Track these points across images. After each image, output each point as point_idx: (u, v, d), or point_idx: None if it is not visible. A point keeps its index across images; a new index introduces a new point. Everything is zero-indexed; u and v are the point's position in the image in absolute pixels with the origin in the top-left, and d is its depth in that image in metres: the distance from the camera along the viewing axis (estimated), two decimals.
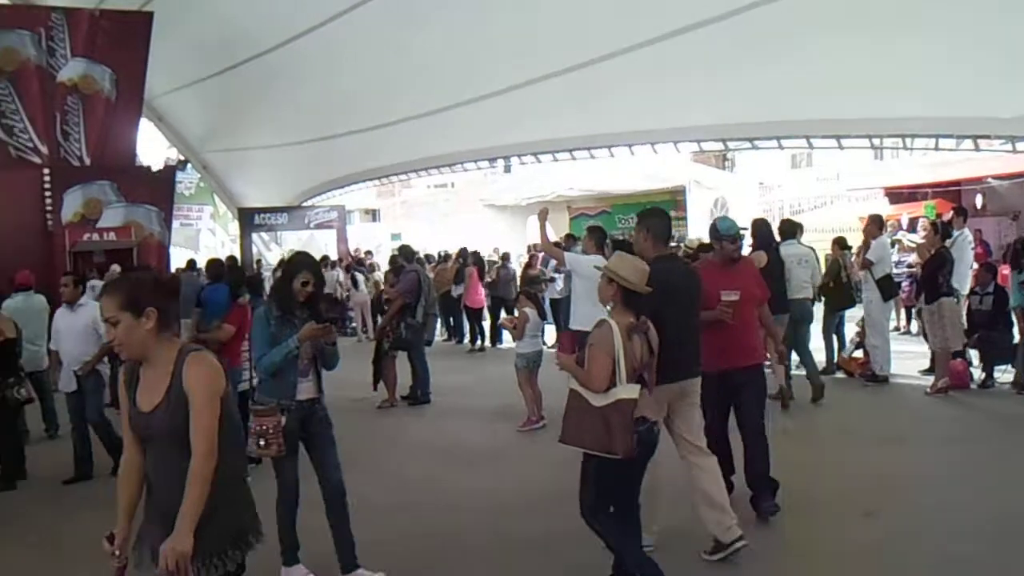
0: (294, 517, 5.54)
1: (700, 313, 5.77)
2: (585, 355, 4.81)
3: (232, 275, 9.53)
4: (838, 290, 12.53)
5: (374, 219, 40.83)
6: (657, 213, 5.93)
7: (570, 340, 6.87)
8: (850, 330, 13.04)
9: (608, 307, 5.01)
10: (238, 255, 24.46)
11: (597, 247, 9.29)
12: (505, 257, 19.38)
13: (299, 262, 5.62)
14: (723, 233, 6.42)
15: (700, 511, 5.63)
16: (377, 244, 30.67)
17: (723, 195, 25.52)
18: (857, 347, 12.54)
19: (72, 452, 8.73)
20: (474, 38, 16.61)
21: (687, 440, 5.64)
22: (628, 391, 4.64)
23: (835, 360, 12.55)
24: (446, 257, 21.26)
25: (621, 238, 13.40)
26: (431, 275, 16.04)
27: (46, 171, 18.07)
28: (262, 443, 5.32)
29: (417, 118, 19.41)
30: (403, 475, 8.31)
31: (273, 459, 5.45)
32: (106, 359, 8.55)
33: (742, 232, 6.69)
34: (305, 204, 27.44)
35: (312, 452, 5.59)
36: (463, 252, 19.25)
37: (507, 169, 29.83)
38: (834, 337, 12.76)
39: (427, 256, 20.67)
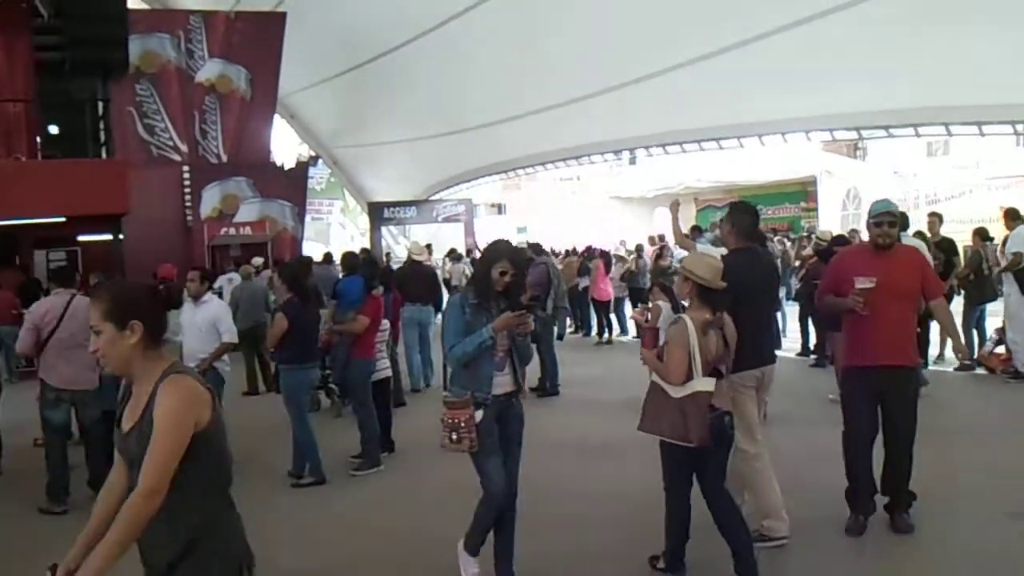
0: (491, 523, 5.27)
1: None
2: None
3: (366, 268, 9.68)
4: (979, 283, 12.02)
5: (500, 212, 41.04)
6: (744, 208, 6.12)
7: (653, 335, 6.75)
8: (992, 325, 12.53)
9: (685, 303, 5.26)
10: (368, 248, 25.02)
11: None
12: (639, 249, 19.26)
13: (498, 250, 5.31)
14: (870, 215, 5.93)
15: (746, 496, 5.77)
16: (503, 238, 30.91)
17: (855, 185, 24.84)
18: (998, 343, 12.03)
19: None
20: (601, 30, 16.61)
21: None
22: (704, 384, 4.92)
23: (975, 356, 12.08)
24: (573, 251, 21.26)
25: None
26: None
27: (186, 168, 18.85)
28: (454, 437, 5.13)
29: (544, 111, 19.52)
30: (533, 471, 8.33)
31: (473, 458, 5.18)
32: (226, 356, 8.41)
33: (895, 215, 5.89)
34: (433, 198, 27.86)
35: (503, 450, 5.29)
36: (589, 249, 19.17)
37: (632, 161, 29.63)
38: (974, 332, 12.29)
39: (552, 250, 20.71)
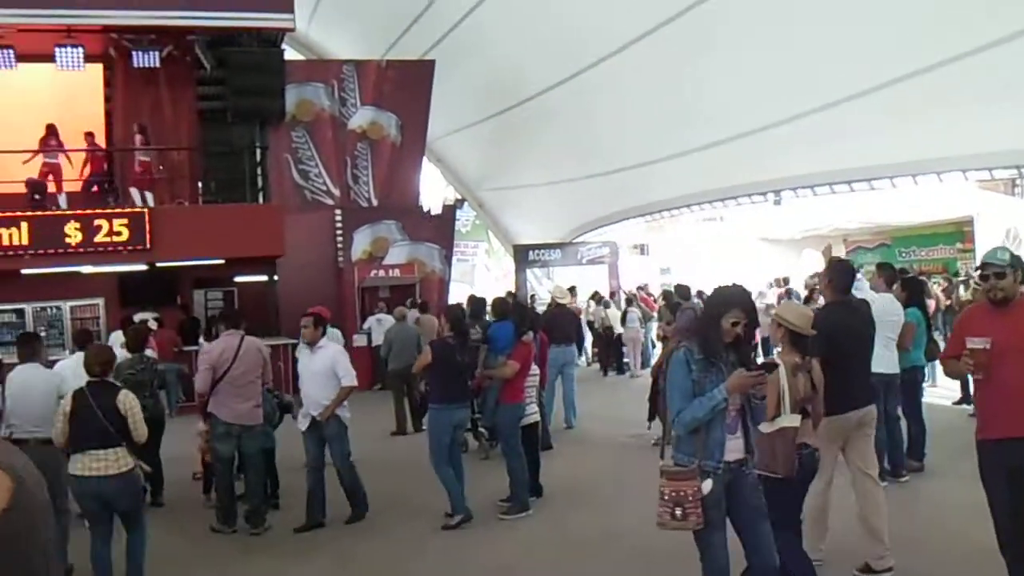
0: None
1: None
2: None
3: (517, 313, 9.75)
4: None
5: (643, 253, 40.71)
6: (841, 266, 6.82)
7: None
8: None
9: (777, 347, 5.85)
10: (513, 291, 25.21)
11: (887, 284, 8.78)
12: (788, 291, 18.85)
13: (729, 297, 4.82)
14: (981, 264, 5.31)
15: (863, 534, 6.17)
16: (646, 279, 30.58)
17: (1015, 225, 23.62)
18: None
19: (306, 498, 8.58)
20: (746, 71, 16.44)
21: (859, 467, 6.25)
22: (790, 420, 5.25)
23: None
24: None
25: (910, 275, 12.30)
26: None
27: (338, 212, 19.41)
28: (678, 513, 4.60)
29: (688, 153, 19.38)
30: None
31: (696, 534, 4.70)
32: (346, 403, 8.36)
33: (1002, 265, 5.09)
34: (577, 240, 27.90)
35: (737, 523, 4.76)
36: None
37: (777, 202, 29.01)
38: None
39: (699, 292, 20.37)
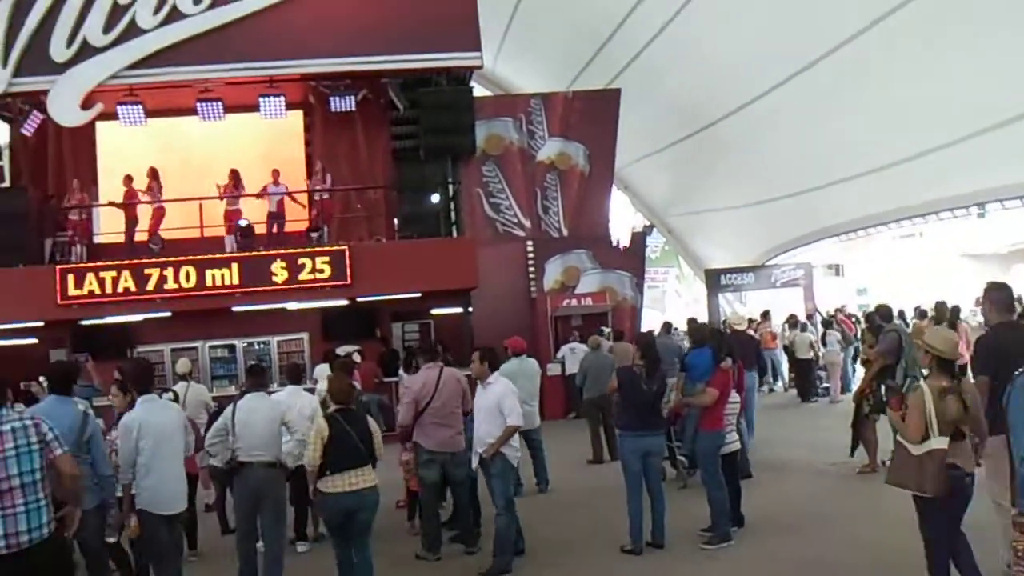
0: None
1: None
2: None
3: (714, 339, 9.57)
4: None
5: (837, 274, 39.38)
6: (1000, 287, 6.58)
7: (899, 399, 6.25)
8: None
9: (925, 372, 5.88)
10: (704, 316, 24.81)
11: None
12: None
13: None
14: None
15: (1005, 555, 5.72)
16: (842, 301, 29.45)
17: None
18: None
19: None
20: (943, 78, 15.68)
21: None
22: (939, 442, 5.41)
23: None
24: (922, 313, 19.81)
25: None
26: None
27: (529, 243, 19.61)
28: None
29: (884, 168, 18.61)
30: (886, 551, 7.77)
31: None
32: (515, 442, 8.25)
33: None
34: (769, 263, 27.22)
35: None
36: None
37: (981, 215, 27.43)
38: None
39: (900, 312, 19.40)
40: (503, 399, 7.97)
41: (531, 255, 19.62)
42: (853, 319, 21.35)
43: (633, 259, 20.45)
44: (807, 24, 16.94)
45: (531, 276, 19.58)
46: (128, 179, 18.18)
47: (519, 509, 8.43)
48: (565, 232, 20.34)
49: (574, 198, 20.44)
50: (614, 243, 20.84)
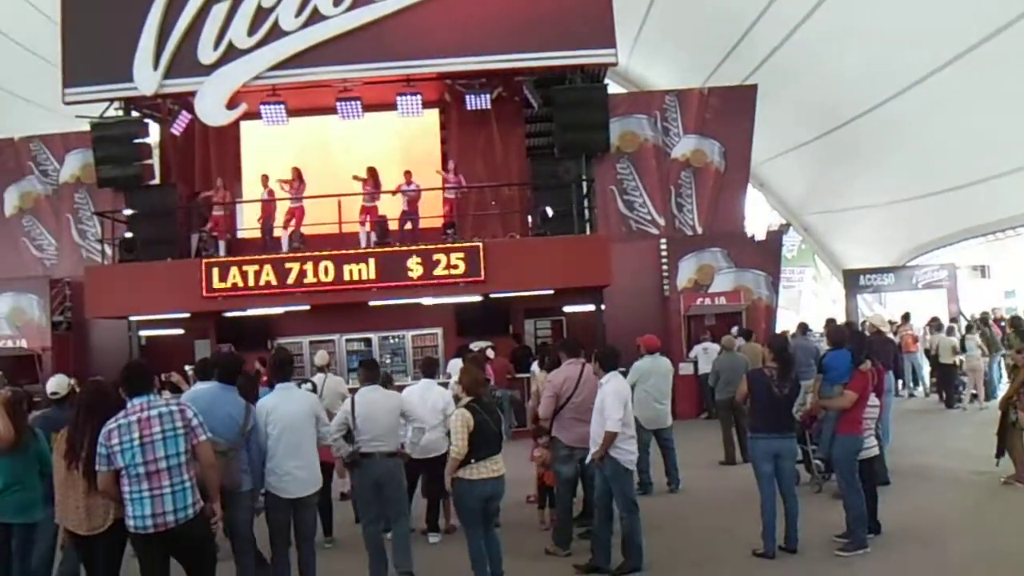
0: None
1: None
2: None
3: (854, 341, 9.29)
4: None
5: (983, 276, 37.74)
6: None
7: None
8: None
9: None
10: (842, 317, 24.10)
11: None
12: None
13: None
14: None
15: None
16: (989, 303, 28.19)
17: None
18: None
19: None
20: None
21: None
22: None
23: None
24: None
25: None
26: None
27: (663, 241, 19.38)
28: None
29: None
30: None
31: None
32: (627, 447, 7.93)
33: None
34: (911, 263, 26.27)
35: None
36: None
37: None
38: None
39: None
40: (604, 401, 7.83)
41: (664, 253, 19.37)
42: (1001, 323, 20.46)
43: (768, 258, 19.99)
44: (946, 21, 16.25)
45: (664, 274, 19.33)
46: (264, 178, 18.79)
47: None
48: (699, 230, 20.03)
49: (709, 196, 20.10)
50: (749, 241, 20.39)
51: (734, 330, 17.02)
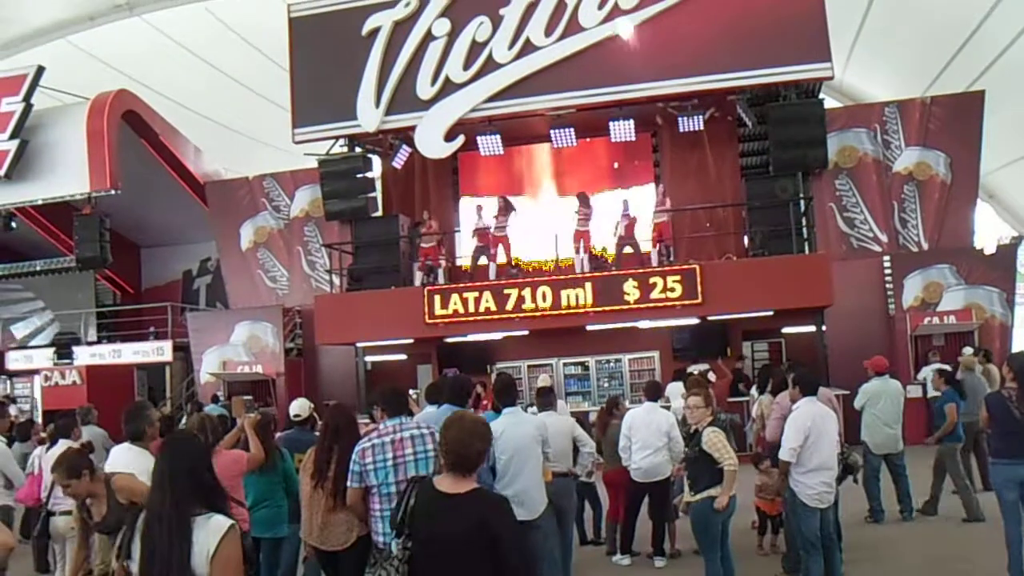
0: None
1: None
2: None
3: None
4: None
5: None
6: None
7: None
8: None
9: None
10: None
11: None
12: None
13: None
14: None
15: None
16: None
17: None
18: None
19: None
20: None
21: None
22: None
23: None
24: None
25: None
26: None
27: (886, 258, 18.84)
28: None
29: None
30: None
31: None
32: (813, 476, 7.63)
33: None
34: None
35: None
36: None
37: None
38: None
39: None
40: (786, 427, 7.72)
41: (888, 271, 18.79)
42: None
43: (1002, 273, 19.05)
44: None
45: (888, 293, 18.76)
46: (479, 209, 19.57)
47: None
48: (925, 246, 19.33)
49: (935, 209, 19.38)
50: (980, 257, 19.49)
51: (967, 350, 16.34)
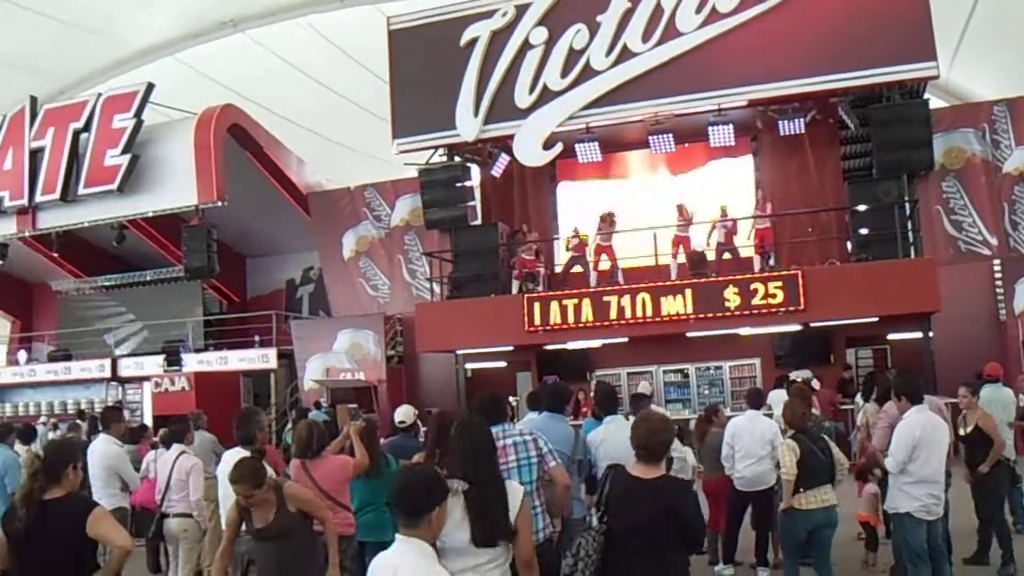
0: None
1: None
2: None
3: None
4: None
5: None
6: None
7: None
8: None
9: None
10: None
11: None
12: None
13: None
14: None
15: None
16: None
17: None
18: None
19: None
20: None
21: None
22: None
23: None
24: None
25: None
26: None
27: (996, 262, 18.46)
28: None
29: None
30: None
31: None
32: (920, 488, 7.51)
33: None
34: None
35: None
36: None
37: None
38: None
39: None
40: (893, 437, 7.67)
41: (998, 275, 18.40)
42: None
43: None
44: None
45: (999, 297, 18.38)
46: (576, 231, 20.05)
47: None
48: None
49: None
50: None
51: None
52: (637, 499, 4.92)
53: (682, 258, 18.90)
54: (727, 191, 19.65)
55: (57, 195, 22.03)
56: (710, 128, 18.61)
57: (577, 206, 21.10)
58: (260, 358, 23.45)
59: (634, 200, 20.48)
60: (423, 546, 3.96)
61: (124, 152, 21.57)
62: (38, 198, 22.40)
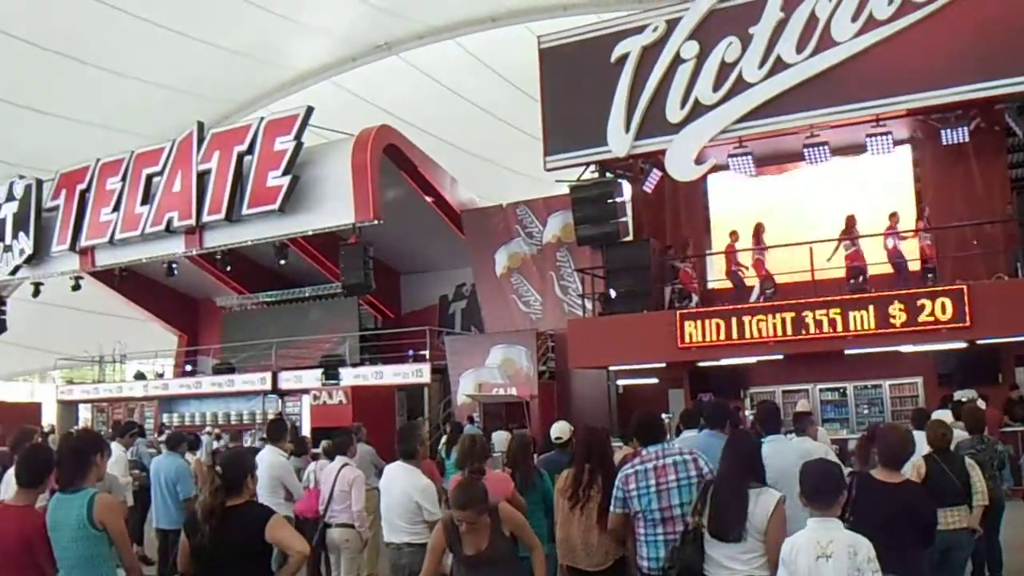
0: None
1: None
2: None
3: None
4: None
5: None
6: None
7: None
8: None
9: None
10: None
11: None
12: None
13: None
14: None
15: None
16: None
17: None
18: None
19: None
20: None
21: None
22: None
23: None
24: None
25: None
26: None
27: None
28: None
29: None
30: None
31: None
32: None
33: None
34: None
35: None
36: None
37: None
38: None
39: None
40: None
41: None
42: None
43: None
44: None
45: None
46: (733, 235, 19.82)
47: None
48: None
49: None
50: None
51: None
52: (883, 499, 5.72)
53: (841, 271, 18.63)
54: (889, 202, 19.24)
55: (222, 215, 23.12)
56: (867, 139, 18.31)
57: (730, 218, 20.98)
58: (414, 373, 24.22)
59: (788, 213, 20.29)
60: None
61: (285, 173, 22.49)
62: (205, 218, 23.56)
